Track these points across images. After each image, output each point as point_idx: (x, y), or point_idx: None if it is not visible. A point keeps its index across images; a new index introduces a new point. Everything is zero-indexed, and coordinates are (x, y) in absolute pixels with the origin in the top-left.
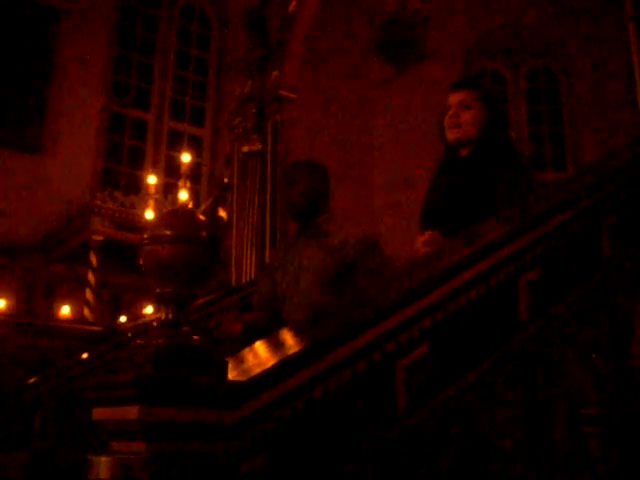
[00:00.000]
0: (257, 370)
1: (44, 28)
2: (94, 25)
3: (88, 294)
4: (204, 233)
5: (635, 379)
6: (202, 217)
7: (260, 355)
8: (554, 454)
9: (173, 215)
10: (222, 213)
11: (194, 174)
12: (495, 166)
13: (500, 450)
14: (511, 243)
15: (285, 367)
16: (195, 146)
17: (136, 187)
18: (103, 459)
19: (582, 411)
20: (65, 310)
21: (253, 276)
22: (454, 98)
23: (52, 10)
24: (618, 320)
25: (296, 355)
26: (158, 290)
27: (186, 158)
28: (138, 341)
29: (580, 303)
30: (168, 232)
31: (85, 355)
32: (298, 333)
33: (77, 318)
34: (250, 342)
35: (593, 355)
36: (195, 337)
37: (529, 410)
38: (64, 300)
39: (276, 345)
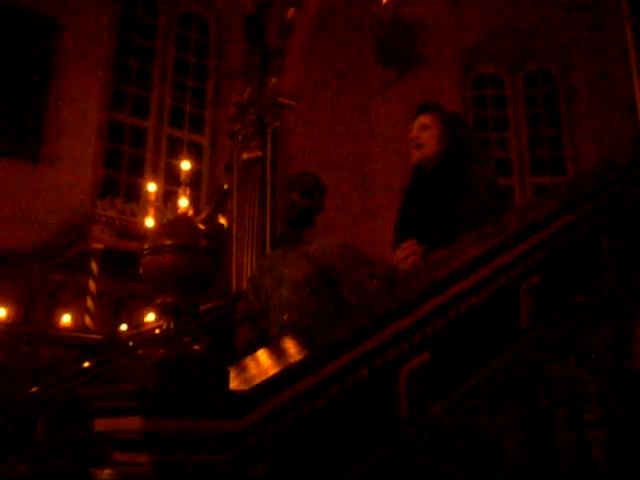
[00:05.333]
0: (258, 379)
1: (43, 37)
2: (93, 33)
3: (89, 302)
4: (204, 242)
5: (638, 381)
6: (202, 226)
7: (261, 364)
8: (557, 460)
9: (173, 225)
10: (222, 220)
11: (194, 181)
12: (453, 182)
13: (503, 457)
14: (512, 249)
15: (286, 376)
16: (195, 153)
17: (136, 195)
18: (106, 471)
19: (585, 416)
20: (66, 318)
21: None
22: (415, 123)
23: (51, 19)
24: (620, 323)
25: (297, 364)
26: (159, 300)
27: (186, 165)
28: (139, 351)
29: (581, 308)
30: (168, 242)
31: (86, 364)
32: (298, 341)
33: (78, 326)
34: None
35: (594, 358)
36: (196, 347)
37: (531, 416)
38: (65, 308)
39: (277, 354)
